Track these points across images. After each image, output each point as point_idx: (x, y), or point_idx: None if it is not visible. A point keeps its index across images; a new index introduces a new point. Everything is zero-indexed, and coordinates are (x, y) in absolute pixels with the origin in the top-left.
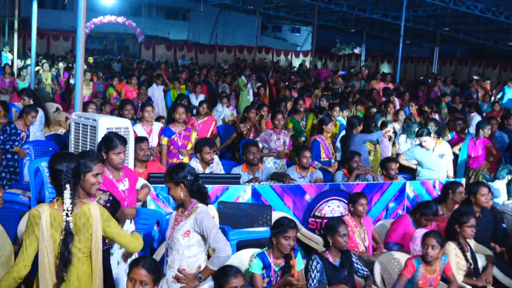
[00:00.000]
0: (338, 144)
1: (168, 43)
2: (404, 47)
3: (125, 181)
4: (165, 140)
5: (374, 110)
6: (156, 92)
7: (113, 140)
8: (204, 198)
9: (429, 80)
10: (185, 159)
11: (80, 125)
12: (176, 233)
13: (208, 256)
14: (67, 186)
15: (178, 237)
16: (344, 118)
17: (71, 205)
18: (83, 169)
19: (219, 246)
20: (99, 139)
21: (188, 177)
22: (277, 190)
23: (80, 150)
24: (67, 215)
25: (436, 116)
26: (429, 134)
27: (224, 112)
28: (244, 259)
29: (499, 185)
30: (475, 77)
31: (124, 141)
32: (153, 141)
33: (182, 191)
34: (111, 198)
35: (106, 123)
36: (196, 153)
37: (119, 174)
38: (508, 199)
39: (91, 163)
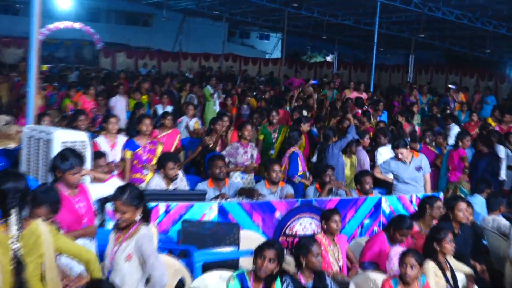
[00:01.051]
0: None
1: (129, 50)
2: (378, 54)
3: (82, 198)
4: (128, 154)
5: (347, 123)
6: (118, 103)
7: (68, 159)
8: (147, 218)
9: (404, 89)
10: (150, 174)
11: (33, 138)
12: (118, 255)
13: None
14: (13, 211)
15: (120, 261)
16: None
17: (17, 232)
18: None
19: (155, 276)
20: (54, 153)
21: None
22: (245, 207)
23: (32, 166)
24: (13, 242)
25: (410, 127)
26: (405, 145)
27: (188, 123)
28: (209, 283)
29: (479, 200)
30: (451, 86)
31: (81, 160)
32: (117, 155)
33: (139, 213)
34: None
35: (62, 137)
36: (160, 169)
37: (75, 191)
38: (488, 214)
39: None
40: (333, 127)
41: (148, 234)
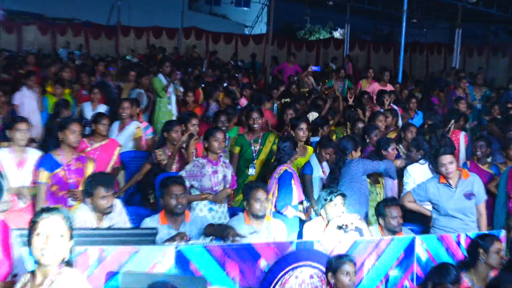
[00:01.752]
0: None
1: (43, 23)
2: (410, 29)
3: None
4: (44, 176)
5: (361, 125)
6: (26, 99)
7: None
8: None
9: (448, 79)
10: (76, 204)
11: None
12: None
13: None
14: None
15: None
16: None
17: None
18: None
19: None
20: None
21: None
22: (215, 253)
23: None
24: None
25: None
26: (452, 153)
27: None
28: None
29: None
30: None
31: None
32: (26, 178)
33: None
34: None
35: None
36: (87, 198)
37: None
38: None
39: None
40: (354, 136)
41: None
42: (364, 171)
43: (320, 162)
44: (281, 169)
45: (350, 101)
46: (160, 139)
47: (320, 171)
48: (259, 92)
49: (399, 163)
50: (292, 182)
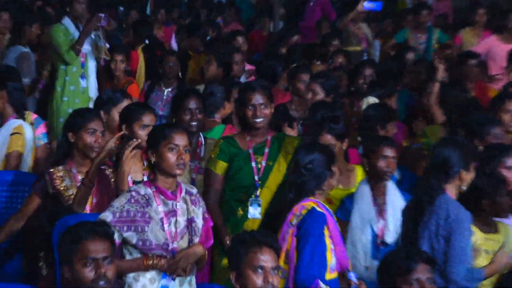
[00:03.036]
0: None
1: None
2: None
3: None
4: None
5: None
6: None
7: None
8: None
9: None
10: None
11: None
12: None
13: None
14: None
15: None
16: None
17: None
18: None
19: None
20: None
21: None
22: None
23: None
24: None
25: None
26: None
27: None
28: None
29: None
30: None
31: None
32: None
33: None
34: None
35: None
36: None
37: None
38: None
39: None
40: (462, 140)
41: None
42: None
43: (378, 194)
44: (305, 206)
45: (440, 71)
46: (61, 145)
47: (374, 214)
48: (267, 57)
49: None
50: (326, 232)
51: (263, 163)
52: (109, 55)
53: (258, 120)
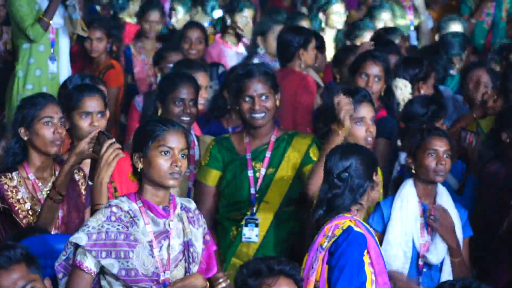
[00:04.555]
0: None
1: None
2: None
3: None
4: None
5: None
6: None
7: None
8: None
9: None
10: None
11: None
12: None
13: None
14: None
15: None
16: None
17: None
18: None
19: None
20: None
21: None
22: None
23: None
24: None
25: None
26: None
27: None
28: None
29: None
30: None
31: None
32: None
33: None
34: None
35: None
36: None
37: None
38: None
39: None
40: None
41: None
42: None
43: (425, 200)
44: (339, 225)
45: None
46: (12, 147)
47: (418, 226)
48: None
49: None
50: (366, 259)
51: (262, 171)
52: (87, 30)
53: (256, 115)
